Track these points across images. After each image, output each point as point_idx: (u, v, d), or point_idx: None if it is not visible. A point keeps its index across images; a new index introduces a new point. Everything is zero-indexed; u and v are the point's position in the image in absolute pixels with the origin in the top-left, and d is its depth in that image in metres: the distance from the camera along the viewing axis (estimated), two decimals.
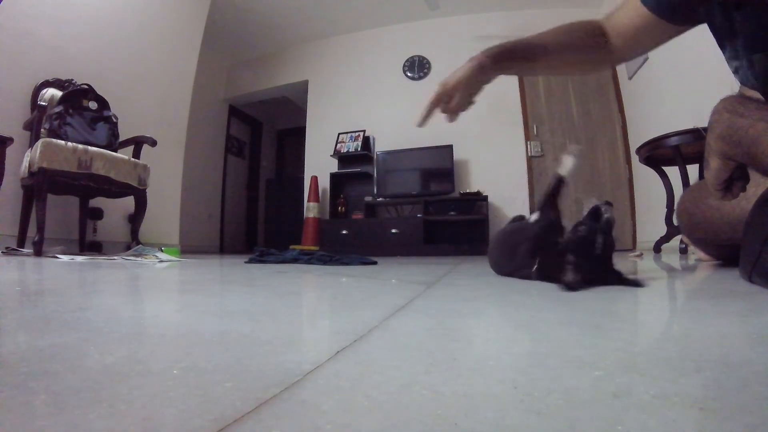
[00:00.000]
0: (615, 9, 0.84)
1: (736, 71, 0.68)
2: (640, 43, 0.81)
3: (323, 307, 0.65)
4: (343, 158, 4.57)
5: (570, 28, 0.86)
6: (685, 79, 2.67)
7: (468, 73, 0.80)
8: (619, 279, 0.75)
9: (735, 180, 0.63)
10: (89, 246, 2.68)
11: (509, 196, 4.09)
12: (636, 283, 0.73)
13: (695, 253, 1.52)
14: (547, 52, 0.86)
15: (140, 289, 0.85)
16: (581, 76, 0.94)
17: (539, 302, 0.57)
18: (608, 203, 0.81)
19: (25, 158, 2.17)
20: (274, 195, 6.06)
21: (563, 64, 0.89)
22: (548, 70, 0.92)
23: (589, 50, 0.86)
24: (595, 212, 0.79)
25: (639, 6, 0.76)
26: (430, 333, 0.40)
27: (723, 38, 0.67)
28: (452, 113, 0.83)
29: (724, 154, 0.61)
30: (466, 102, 0.83)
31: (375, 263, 1.82)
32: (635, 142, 2.98)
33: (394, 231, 3.94)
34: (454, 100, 0.81)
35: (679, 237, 2.24)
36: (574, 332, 0.38)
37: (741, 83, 0.70)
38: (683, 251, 2.17)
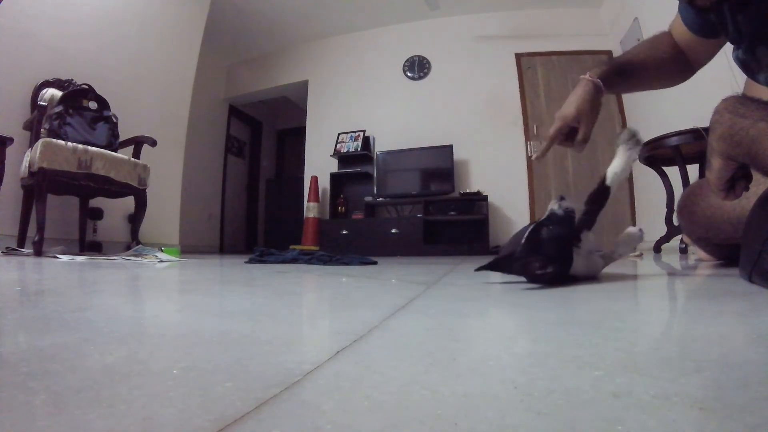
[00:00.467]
0: (673, 22, 0.88)
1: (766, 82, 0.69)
2: (699, 53, 0.85)
3: (323, 307, 0.65)
4: (343, 158, 4.57)
5: (657, 43, 0.89)
6: None
7: (587, 97, 0.80)
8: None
9: (737, 180, 0.63)
10: (89, 246, 2.68)
11: (509, 196, 4.09)
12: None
13: (695, 253, 1.52)
14: (646, 69, 0.88)
15: (140, 290, 0.85)
16: (669, 87, 0.97)
17: (539, 302, 0.57)
18: (561, 198, 0.79)
19: (25, 158, 2.17)
20: (274, 195, 6.06)
21: (658, 77, 0.91)
22: (645, 86, 0.95)
23: (677, 63, 0.89)
24: (553, 215, 0.76)
25: (681, 22, 0.82)
26: (430, 333, 0.40)
27: (737, 42, 0.69)
28: (582, 143, 0.83)
29: (725, 155, 0.61)
30: (592, 127, 0.83)
31: (375, 263, 1.82)
32: None
33: (394, 231, 3.94)
34: (581, 129, 0.81)
35: (679, 237, 2.24)
36: (574, 332, 0.38)
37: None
38: (683, 251, 2.17)
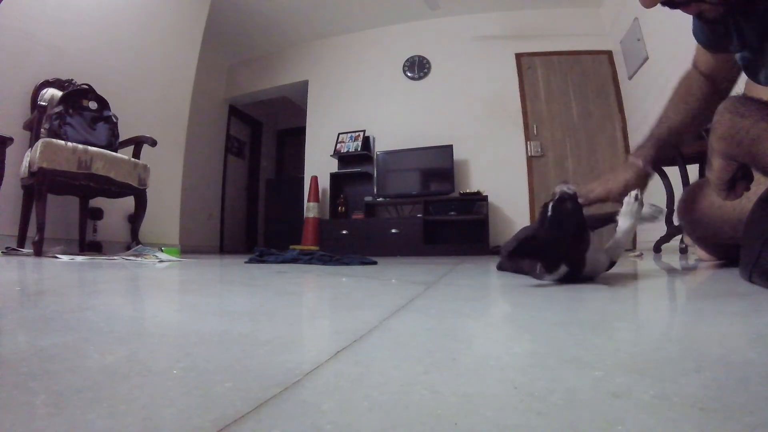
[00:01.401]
0: (695, 54, 0.90)
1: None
2: (725, 70, 0.85)
3: (323, 307, 0.65)
4: (343, 158, 4.57)
5: (687, 90, 0.90)
6: None
7: (632, 183, 0.83)
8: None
9: (738, 180, 0.63)
10: (89, 246, 2.68)
11: (509, 196, 4.09)
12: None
13: (695, 253, 1.52)
14: (687, 128, 0.91)
15: (140, 289, 0.85)
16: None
17: (539, 302, 0.57)
18: (564, 181, 0.81)
19: (25, 158, 2.17)
20: (274, 195, 6.06)
21: (699, 125, 0.93)
22: (689, 142, 0.98)
23: (711, 102, 0.89)
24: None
25: (700, 47, 0.84)
26: (430, 333, 0.40)
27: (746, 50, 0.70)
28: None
29: (726, 155, 0.61)
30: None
31: (375, 263, 1.82)
32: (635, 142, 2.98)
33: (394, 231, 3.94)
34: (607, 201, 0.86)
35: (679, 237, 2.24)
36: (574, 332, 0.38)
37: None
38: (683, 251, 2.17)
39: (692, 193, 1.11)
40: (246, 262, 1.81)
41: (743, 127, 0.58)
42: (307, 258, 1.82)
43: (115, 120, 2.56)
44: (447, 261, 2.18)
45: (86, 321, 0.42)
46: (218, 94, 5.39)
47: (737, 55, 0.73)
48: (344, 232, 4.11)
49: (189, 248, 3.94)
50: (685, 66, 0.93)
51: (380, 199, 4.27)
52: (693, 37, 0.85)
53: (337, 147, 4.56)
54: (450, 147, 4.09)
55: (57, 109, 2.30)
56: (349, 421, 0.19)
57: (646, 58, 3.38)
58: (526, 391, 0.22)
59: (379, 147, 4.49)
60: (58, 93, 2.41)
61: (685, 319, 0.49)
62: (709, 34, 0.79)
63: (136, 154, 2.55)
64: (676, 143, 0.91)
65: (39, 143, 2.00)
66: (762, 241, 0.60)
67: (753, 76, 0.73)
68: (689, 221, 1.13)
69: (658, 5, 0.60)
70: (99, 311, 0.50)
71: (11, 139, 2.07)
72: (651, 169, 0.85)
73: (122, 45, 3.09)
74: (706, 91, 0.89)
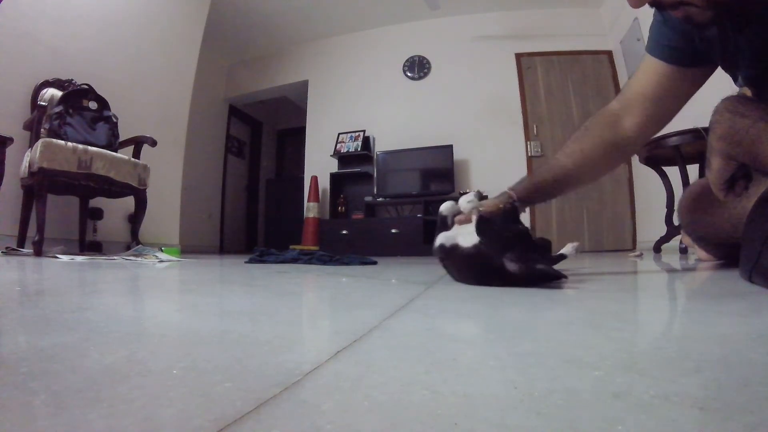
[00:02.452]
0: (624, 88, 0.87)
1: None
2: (662, 108, 0.83)
3: (323, 307, 0.65)
4: (343, 158, 4.56)
5: (588, 141, 0.88)
6: None
7: (496, 214, 0.86)
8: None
9: (737, 179, 0.63)
10: (89, 246, 2.68)
11: None
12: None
13: (695, 253, 1.52)
14: (569, 183, 0.91)
15: (140, 289, 0.85)
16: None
17: (539, 302, 0.57)
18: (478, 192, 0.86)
19: (25, 158, 2.17)
20: (274, 195, 6.06)
21: (590, 179, 0.94)
22: (577, 189, 0.98)
23: (612, 158, 0.90)
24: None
25: (657, 65, 0.79)
26: (430, 333, 0.40)
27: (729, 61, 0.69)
28: None
29: (725, 154, 0.61)
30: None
31: (375, 263, 1.81)
32: None
33: (394, 231, 3.94)
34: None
35: (679, 237, 2.24)
36: (574, 332, 0.38)
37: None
38: (683, 251, 2.17)
39: (693, 193, 1.11)
40: (246, 262, 1.81)
41: (743, 127, 0.58)
42: (307, 258, 1.82)
43: (115, 120, 2.56)
44: None
45: (86, 321, 0.42)
46: (218, 94, 5.39)
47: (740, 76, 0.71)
48: (344, 232, 4.10)
49: (189, 248, 3.94)
50: None
51: (380, 199, 4.27)
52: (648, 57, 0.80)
53: (337, 147, 4.56)
54: (450, 147, 4.09)
55: (57, 109, 2.30)
56: (349, 421, 0.19)
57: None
58: (526, 391, 0.22)
59: (379, 147, 4.49)
60: (58, 93, 2.41)
61: (685, 319, 0.49)
62: (683, 46, 0.75)
63: (136, 154, 2.55)
64: (555, 194, 0.92)
65: (39, 143, 2.00)
66: (762, 241, 0.60)
67: (735, 80, 0.72)
68: (689, 221, 1.13)
69: (647, 6, 0.59)
70: (99, 311, 0.50)
71: (11, 139, 2.07)
72: (521, 205, 0.89)
73: (122, 45, 3.09)
74: (616, 141, 0.86)
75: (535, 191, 0.90)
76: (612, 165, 0.92)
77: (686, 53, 0.75)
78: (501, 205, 0.87)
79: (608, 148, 0.87)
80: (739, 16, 0.61)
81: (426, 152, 4.18)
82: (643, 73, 0.82)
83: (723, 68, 0.74)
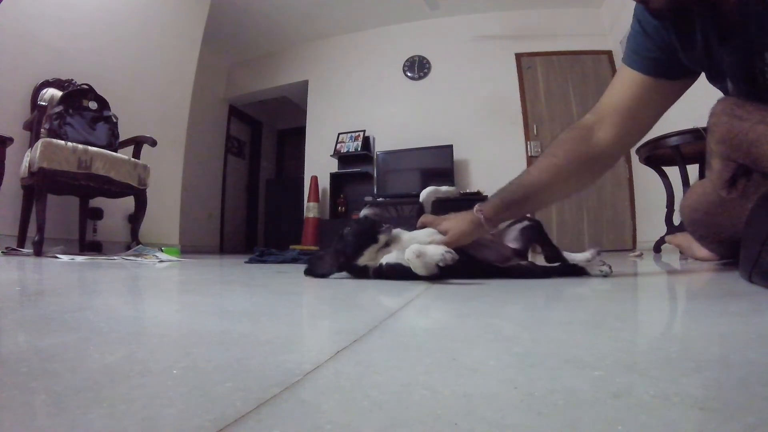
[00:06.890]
0: (600, 100, 0.86)
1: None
2: (638, 120, 0.81)
3: (323, 307, 0.65)
4: (343, 158, 4.56)
5: (561, 156, 0.87)
6: None
7: (470, 233, 0.87)
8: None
9: (738, 177, 0.63)
10: (89, 246, 2.68)
11: None
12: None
13: (683, 254, 1.53)
14: (542, 198, 0.90)
15: (140, 289, 0.85)
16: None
17: (539, 302, 0.57)
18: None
19: (25, 158, 2.17)
20: (274, 195, 6.05)
21: (564, 193, 0.93)
22: (550, 204, 0.98)
23: (587, 171, 0.88)
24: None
25: (633, 76, 0.77)
26: (430, 333, 0.40)
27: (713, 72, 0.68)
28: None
29: (724, 157, 0.61)
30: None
31: None
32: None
33: None
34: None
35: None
36: (574, 332, 0.38)
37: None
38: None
39: (694, 192, 1.11)
40: (246, 262, 1.81)
41: (741, 130, 0.58)
42: (307, 258, 1.82)
43: (115, 120, 2.56)
44: None
45: (86, 321, 0.42)
46: (218, 94, 5.39)
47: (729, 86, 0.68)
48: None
49: (189, 248, 3.94)
50: None
51: (380, 199, 4.27)
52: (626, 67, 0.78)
53: (337, 147, 4.56)
54: (450, 147, 4.09)
55: (57, 109, 2.30)
56: (349, 421, 0.19)
57: None
58: (526, 391, 0.22)
59: (379, 147, 4.48)
60: (58, 93, 2.41)
61: (685, 319, 0.49)
62: (665, 57, 0.72)
63: (136, 154, 2.55)
64: (526, 210, 0.92)
65: (39, 143, 2.00)
66: (762, 241, 0.60)
67: (721, 88, 0.70)
68: (691, 220, 1.13)
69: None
70: (99, 311, 0.50)
71: (11, 139, 2.07)
72: (490, 225, 0.88)
73: (122, 45, 3.09)
74: (590, 154, 0.84)
75: (506, 209, 0.88)
76: (588, 178, 0.90)
77: (664, 64, 0.73)
78: (467, 228, 0.87)
79: (582, 162, 0.85)
80: (721, 29, 0.60)
81: (426, 152, 4.18)
82: (619, 85, 0.81)
83: (710, 81, 0.72)
